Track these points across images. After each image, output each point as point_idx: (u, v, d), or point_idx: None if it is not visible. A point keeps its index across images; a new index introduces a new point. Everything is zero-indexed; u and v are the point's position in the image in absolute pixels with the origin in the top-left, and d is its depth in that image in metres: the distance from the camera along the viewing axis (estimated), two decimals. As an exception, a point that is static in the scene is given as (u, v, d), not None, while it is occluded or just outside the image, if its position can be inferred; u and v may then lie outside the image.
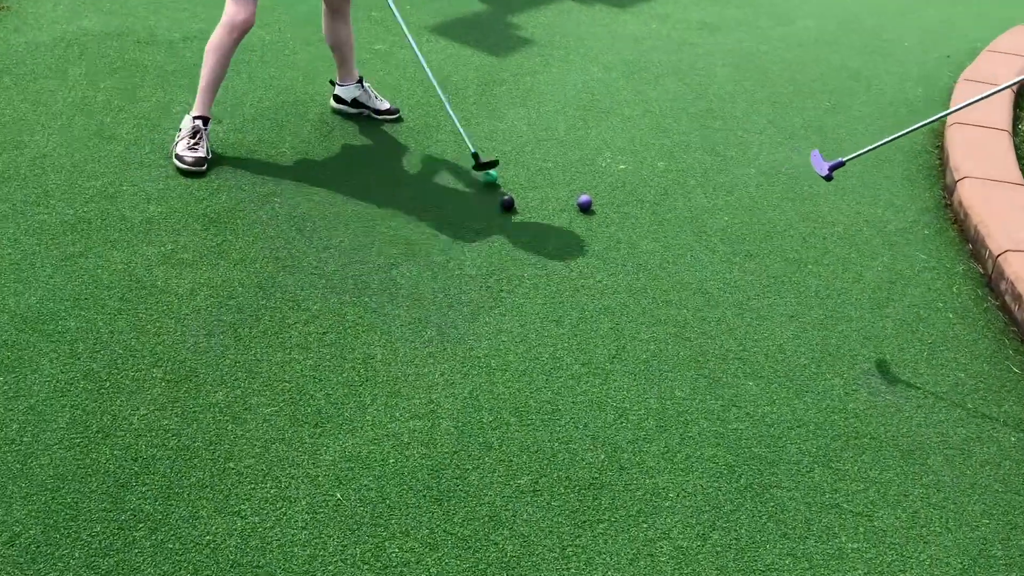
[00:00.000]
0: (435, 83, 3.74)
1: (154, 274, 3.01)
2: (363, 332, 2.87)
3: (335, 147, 3.88)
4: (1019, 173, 3.89)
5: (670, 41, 5.43)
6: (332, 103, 4.10)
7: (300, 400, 2.60)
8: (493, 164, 3.73)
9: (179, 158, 3.54)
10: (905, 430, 2.63)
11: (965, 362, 2.93)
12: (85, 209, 3.26)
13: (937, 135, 4.53)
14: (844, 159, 3.13)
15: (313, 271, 3.12)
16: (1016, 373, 2.90)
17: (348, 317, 2.93)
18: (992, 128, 4.31)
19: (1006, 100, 4.63)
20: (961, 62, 5.47)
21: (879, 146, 3.24)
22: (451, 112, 3.80)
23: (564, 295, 3.13)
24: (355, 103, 4.07)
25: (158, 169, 3.55)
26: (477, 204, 3.63)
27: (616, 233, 3.51)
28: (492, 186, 3.76)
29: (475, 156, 3.75)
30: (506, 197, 3.62)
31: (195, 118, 3.61)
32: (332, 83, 4.09)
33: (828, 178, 3.12)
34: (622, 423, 2.61)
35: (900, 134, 3.28)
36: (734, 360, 2.88)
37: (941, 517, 2.40)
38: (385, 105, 4.15)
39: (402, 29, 3.76)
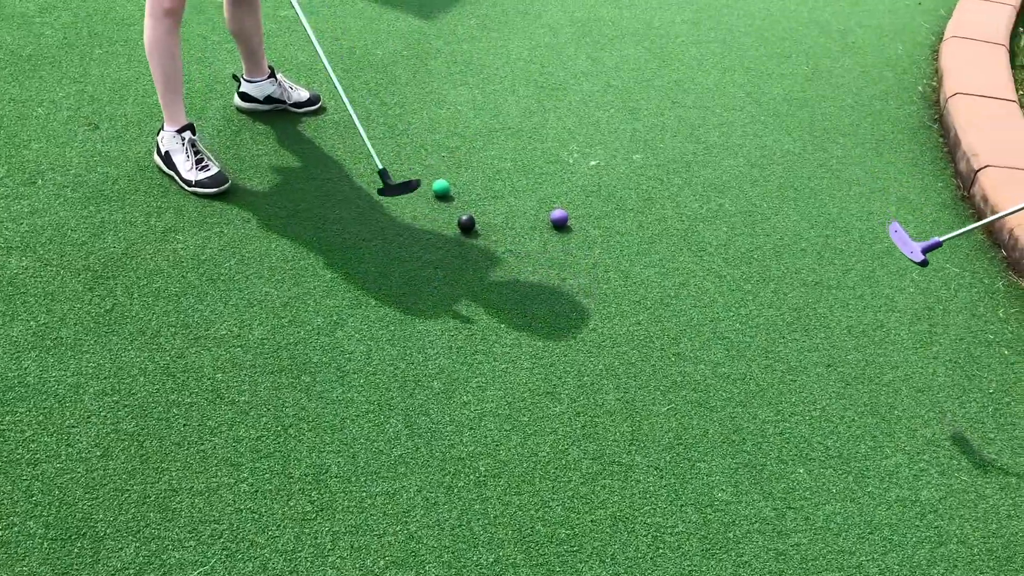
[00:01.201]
0: (335, 79, 2.88)
1: (22, 366, 2.28)
2: (309, 432, 2.22)
3: (246, 160, 3.14)
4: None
5: (620, -6, 4.77)
6: (237, 102, 3.34)
7: (238, 553, 1.95)
8: (408, 188, 2.85)
9: (198, 184, 2.89)
10: (995, 527, 2.16)
11: (1030, 413, 2.47)
12: (-79, 270, 2.49)
13: (931, 104, 4.03)
14: (941, 239, 2.49)
15: (235, 341, 2.44)
16: (1093, 426, 2.46)
17: (287, 410, 2.27)
18: (996, 98, 3.83)
19: (1003, 60, 4.16)
20: (934, 8, 4.98)
21: (966, 232, 2.55)
22: (356, 119, 2.91)
23: (555, 353, 2.53)
24: (268, 100, 3.33)
25: (20, 202, 2.76)
26: (430, 227, 2.96)
27: (602, 257, 2.91)
28: (444, 198, 3.10)
29: (383, 175, 2.84)
30: (464, 217, 2.97)
31: (178, 132, 2.89)
32: (236, 78, 3.33)
33: (924, 263, 2.48)
34: (659, 550, 2.06)
35: (976, 225, 2.61)
36: (774, 437, 2.35)
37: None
38: (304, 95, 3.42)
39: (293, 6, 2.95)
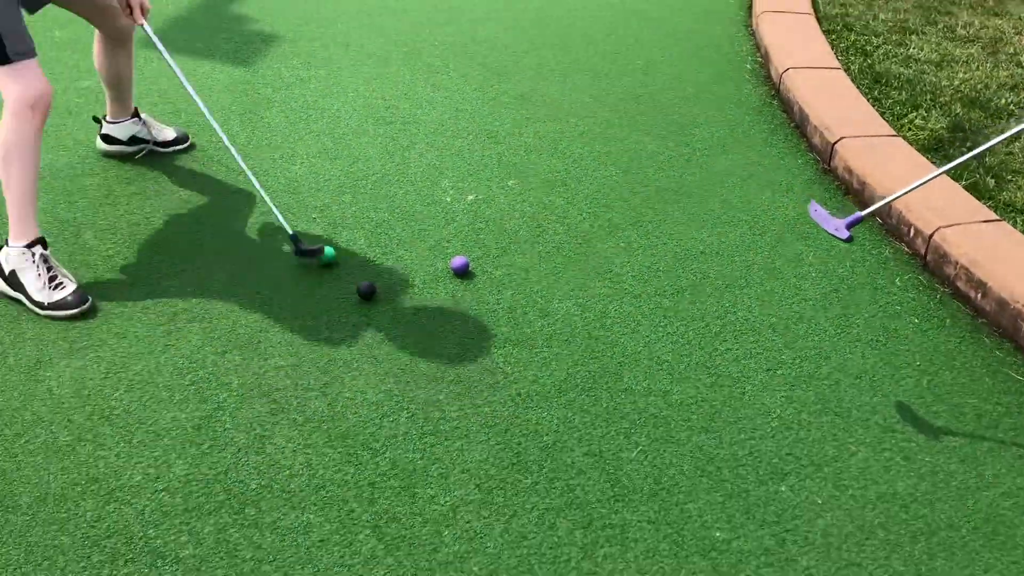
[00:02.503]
0: (217, 127, 2.80)
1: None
2: (275, 574, 1.97)
3: (100, 249, 2.77)
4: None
5: (431, 8, 4.63)
6: (100, 145, 3.18)
7: None
8: (319, 251, 2.82)
9: (54, 306, 2.51)
10: (972, 504, 2.23)
11: (966, 383, 2.58)
12: None
13: (763, 80, 4.16)
14: (861, 214, 2.55)
15: (156, 485, 2.12)
16: (1019, 380, 2.61)
17: (242, 553, 1.99)
18: (825, 68, 4.02)
19: (815, 29, 4.36)
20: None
21: (911, 190, 2.61)
22: (249, 174, 2.84)
23: (504, 416, 2.38)
24: (134, 140, 3.17)
25: None
26: (329, 303, 2.72)
27: (516, 299, 2.78)
28: (331, 266, 2.87)
29: (294, 241, 2.83)
30: (363, 285, 2.75)
31: (27, 247, 2.50)
32: (98, 120, 3.16)
33: (849, 240, 2.54)
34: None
35: (951, 165, 2.60)
36: (746, 458, 2.31)
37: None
38: (171, 134, 3.27)
39: (159, 49, 2.78)
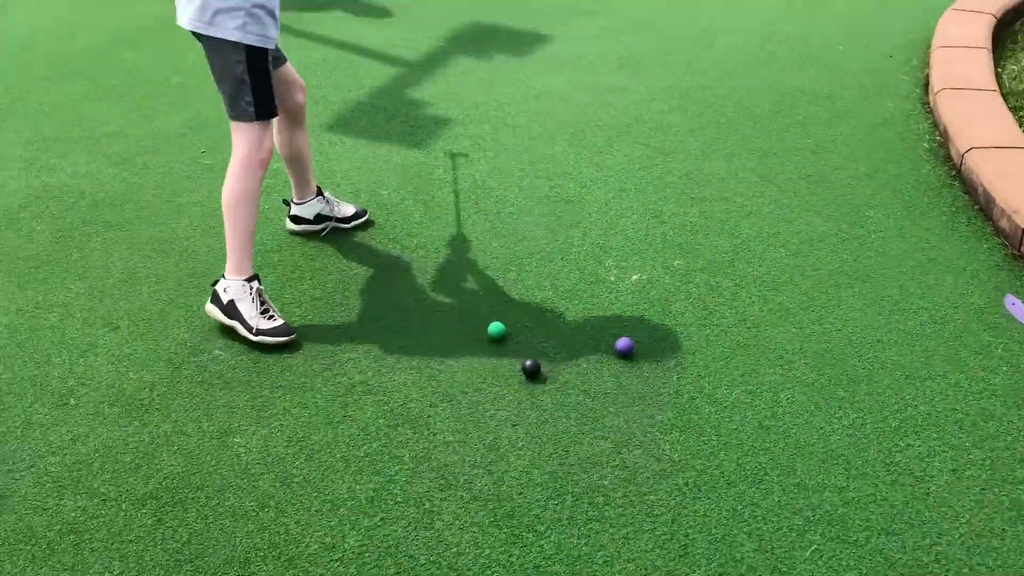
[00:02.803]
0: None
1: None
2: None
3: (292, 284, 2.94)
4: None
5: (596, 90, 4.71)
6: (289, 225, 3.44)
7: None
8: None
9: (263, 333, 2.83)
10: None
11: None
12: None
13: (942, 160, 4.00)
14: None
15: (330, 555, 2.20)
16: None
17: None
18: (1011, 148, 3.82)
19: (999, 105, 4.16)
20: (906, 58, 5.03)
21: None
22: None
23: (670, 506, 2.33)
24: (319, 218, 3.39)
25: (58, 430, 2.51)
26: (495, 379, 2.77)
27: (683, 384, 2.74)
28: (500, 342, 2.92)
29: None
30: (528, 362, 2.79)
31: (246, 280, 2.87)
32: (287, 203, 3.40)
33: None
34: None
35: None
36: (933, 566, 2.17)
37: None
38: (351, 209, 3.47)
39: None
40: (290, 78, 3.09)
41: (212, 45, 2.75)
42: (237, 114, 2.79)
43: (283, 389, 2.71)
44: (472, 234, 3.50)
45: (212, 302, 2.91)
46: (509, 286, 3.20)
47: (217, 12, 2.67)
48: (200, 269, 3.22)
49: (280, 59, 3.02)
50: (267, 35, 2.76)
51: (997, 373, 2.76)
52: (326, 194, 3.45)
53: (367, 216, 3.53)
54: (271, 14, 2.75)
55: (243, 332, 2.85)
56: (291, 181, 3.37)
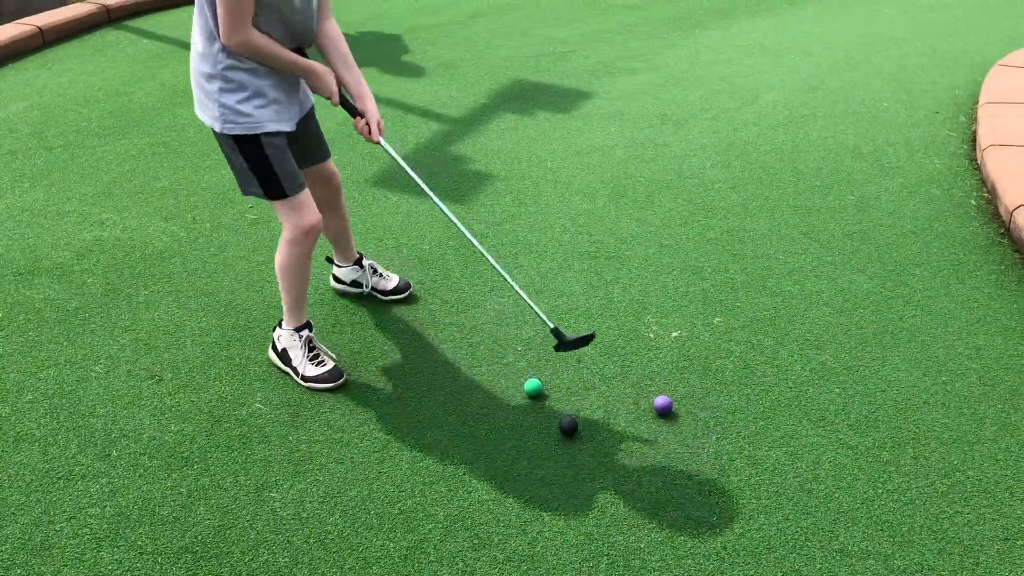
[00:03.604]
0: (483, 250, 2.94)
1: None
2: None
3: (332, 338, 2.96)
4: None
5: (638, 146, 4.73)
6: (333, 283, 3.49)
7: None
8: (586, 340, 2.85)
9: (312, 380, 2.95)
10: None
11: None
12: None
13: (991, 218, 3.93)
14: None
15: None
16: None
17: None
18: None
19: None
20: (953, 115, 4.99)
21: None
22: (513, 283, 2.96)
23: (710, 569, 2.28)
24: (355, 284, 3.43)
25: (98, 481, 2.54)
26: (531, 435, 2.75)
27: (722, 444, 2.70)
28: (538, 398, 2.91)
29: (556, 334, 2.86)
30: (565, 420, 2.77)
31: (296, 330, 2.99)
32: (330, 261, 3.48)
33: None
34: None
35: None
36: None
37: None
38: (392, 283, 3.45)
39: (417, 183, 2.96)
40: (320, 173, 3.01)
41: (213, 133, 2.72)
42: (254, 196, 2.75)
43: (320, 444, 2.72)
44: (512, 289, 3.51)
45: (272, 349, 3.05)
46: (549, 342, 3.20)
47: (202, 101, 2.64)
48: (243, 323, 3.26)
49: (311, 150, 2.94)
50: (257, 122, 2.61)
51: (1050, 438, 2.68)
52: (366, 263, 3.40)
53: (409, 292, 3.44)
54: (271, 99, 2.62)
55: (295, 378, 2.97)
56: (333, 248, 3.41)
